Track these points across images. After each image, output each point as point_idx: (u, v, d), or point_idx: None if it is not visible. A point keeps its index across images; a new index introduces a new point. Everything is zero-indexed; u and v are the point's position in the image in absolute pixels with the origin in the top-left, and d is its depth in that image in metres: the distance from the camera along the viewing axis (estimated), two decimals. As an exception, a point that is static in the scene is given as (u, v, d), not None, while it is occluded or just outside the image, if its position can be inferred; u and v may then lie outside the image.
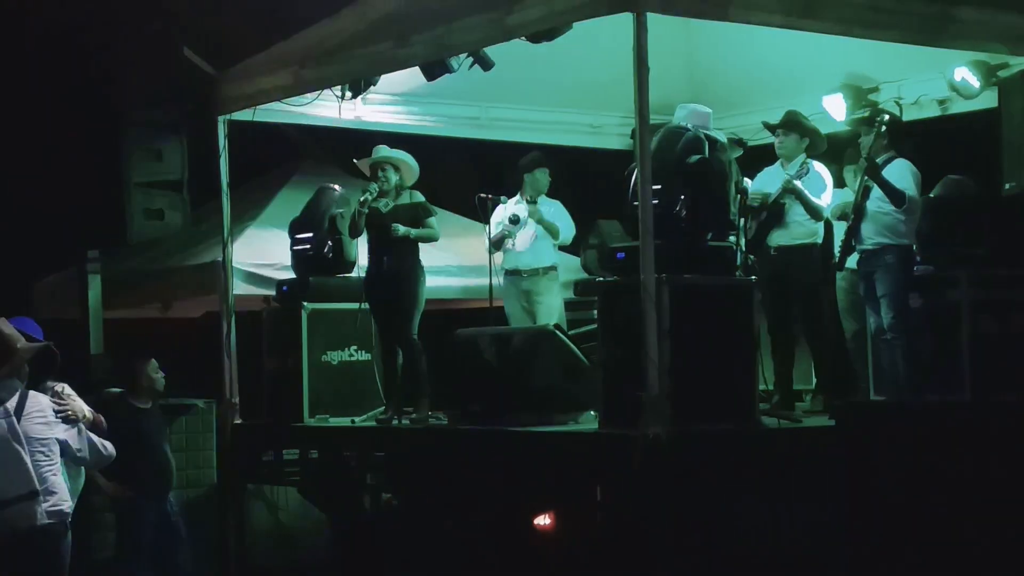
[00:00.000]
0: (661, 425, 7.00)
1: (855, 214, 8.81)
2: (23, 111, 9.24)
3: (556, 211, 10.05)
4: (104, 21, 9.80)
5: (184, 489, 9.87)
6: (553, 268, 10.01)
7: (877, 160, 8.72)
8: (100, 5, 10.01)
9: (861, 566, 6.68)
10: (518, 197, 10.04)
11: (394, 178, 9.31)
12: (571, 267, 11.03)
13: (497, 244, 9.97)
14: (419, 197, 9.35)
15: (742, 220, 8.72)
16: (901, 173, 8.78)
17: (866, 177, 8.75)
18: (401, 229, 9.09)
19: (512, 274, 9.98)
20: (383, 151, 9.41)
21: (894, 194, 8.66)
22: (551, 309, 9.86)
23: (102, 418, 6.85)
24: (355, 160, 9.68)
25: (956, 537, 6.72)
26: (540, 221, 9.89)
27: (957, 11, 8.06)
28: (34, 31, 9.37)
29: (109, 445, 6.76)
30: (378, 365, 9.56)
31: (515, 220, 9.87)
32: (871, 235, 8.78)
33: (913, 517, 6.88)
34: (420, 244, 9.28)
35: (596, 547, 7.45)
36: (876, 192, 8.75)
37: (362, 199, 9.24)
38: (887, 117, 8.87)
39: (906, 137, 9.13)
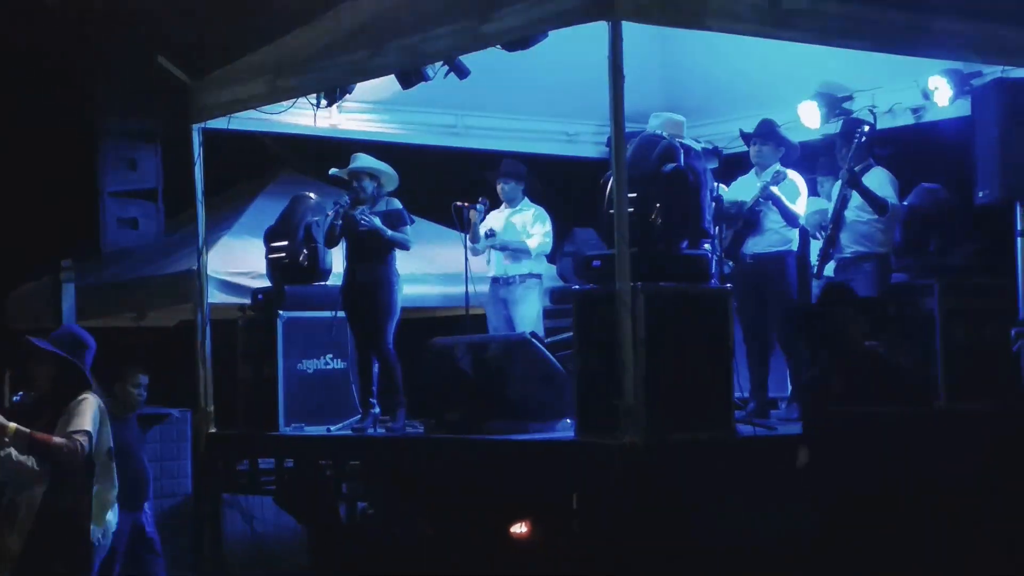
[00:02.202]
0: (637, 433, 7.00)
1: (833, 223, 8.85)
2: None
3: (532, 218, 10.00)
4: (79, 30, 9.76)
5: (159, 499, 9.83)
6: (532, 276, 9.97)
7: (856, 169, 8.77)
8: (75, 14, 9.97)
9: (830, 570, 6.69)
10: (502, 207, 10.04)
11: (371, 187, 9.30)
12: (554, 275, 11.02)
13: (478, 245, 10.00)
14: (396, 204, 9.33)
15: (717, 228, 8.75)
16: (880, 181, 8.83)
17: (845, 186, 8.80)
18: (374, 220, 9.03)
19: (493, 282, 10.00)
20: (361, 160, 9.40)
21: (876, 203, 8.70)
22: (527, 318, 9.86)
23: (49, 437, 6.66)
24: (333, 170, 9.67)
25: (927, 544, 6.73)
26: (504, 247, 9.91)
27: (931, 21, 8.10)
28: (7, 41, 9.33)
29: (29, 460, 6.63)
30: (354, 374, 9.55)
31: (490, 234, 9.91)
32: (849, 244, 8.84)
33: (886, 525, 6.88)
34: (396, 252, 9.27)
35: (572, 555, 7.45)
36: (855, 201, 8.80)
37: (335, 209, 9.23)
38: (866, 128, 8.92)
39: (883, 145, 9.17)
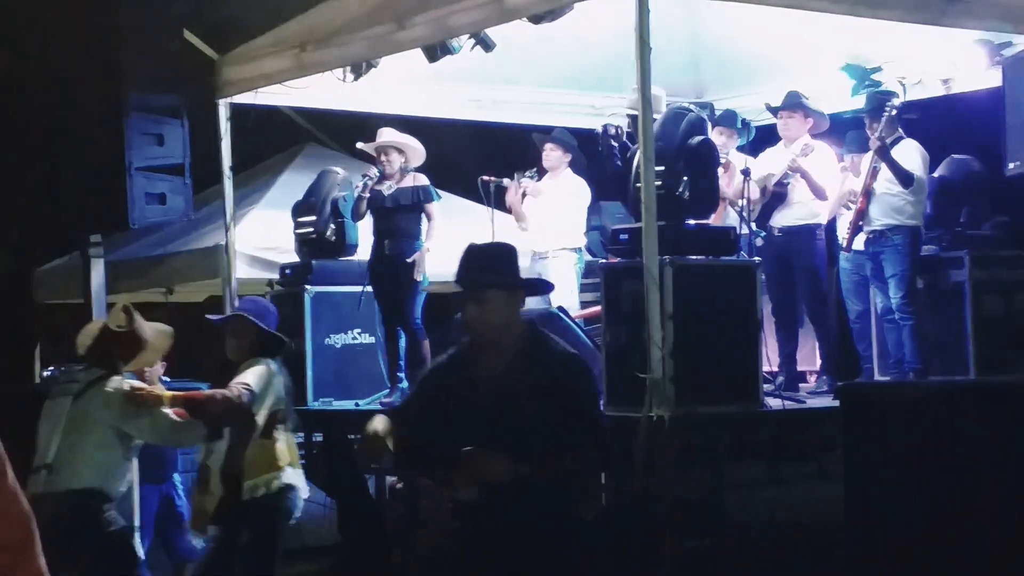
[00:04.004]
0: (665, 407, 6.99)
1: (863, 195, 8.81)
2: (23, 96, 9.20)
3: (572, 190, 9.92)
4: (104, 5, 9.77)
5: (189, 472, 9.86)
6: (565, 250, 9.89)
7: (886, 141, 8.72)
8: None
9: (861, 547, 6.67)
10: (545, 176, 10.02)
11: (398, 161, 9.29)
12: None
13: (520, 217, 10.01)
14: (423, 180, 9.32)
15: (745, 201, 8.73)
16: (909, 154, 8.77)
17: (875, 158, 8.75)
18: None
19: (532, 256, 9.99)
20: (388, 135, 9.39)
21: (902, 176, 8.65)
22: (560, 291, 9.79)
23: (200, 392, 6.97)
24: (360, 144, 9.65)
25: (958, 518, 6.70)
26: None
27: (961, -10, 8.04)
28: (33, 15, 9.34)
29: (190, 426, 6.79)
30: (381, 348, 9.55)
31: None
32: (879, 216, 8.79)
33: (917, 498, 6.85)
34: (423, 226, 9.25)
35: (600, 529, 7.44)
36: (884, 173, 8.75)
37: (362, 183, 9.23)
38: (897, 101, 8.86)
39: (910, 111, 9.08)
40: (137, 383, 6.79)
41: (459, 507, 4.73)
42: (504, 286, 4.73)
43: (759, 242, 8.99)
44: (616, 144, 8.95)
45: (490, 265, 4.81)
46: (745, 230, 8.65)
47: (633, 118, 8.55)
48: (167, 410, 6.73)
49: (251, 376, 6.85)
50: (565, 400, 4.59)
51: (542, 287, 5.39)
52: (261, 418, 6.93)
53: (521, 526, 4.57)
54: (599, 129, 9.25)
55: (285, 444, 7.09)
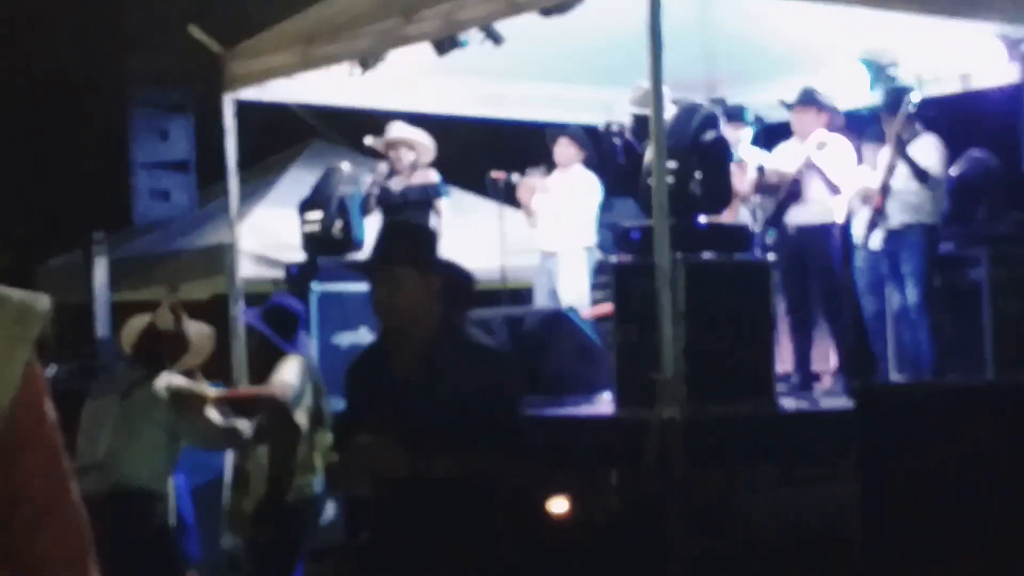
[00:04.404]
0: (676, 407, 6.88)
1: (880, 192, 8.73)
2: (26, 91, 9.13)
3: (583, 187, 9.85)
4: (109, 1, 9.71)
5: (193, 473, 9.77)
6: (577, 248, 9.82)
7: (904, 137, 8.63)
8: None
9: (876, 550, 6.56)
10: (555, 172, 9.95)
11: (408, 157, 9.21)
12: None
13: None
14: (433, 176, 9.23)
15: (759, 198, 8.64)
16: (928, 150, 8.69)
17: (892, 154, 8.66)
18: None
19: (542, 254, 9.92)
20: (398, 129, 9.30)
21: (918, 173, 8.57)
22: (571, 290, 9.74)
23: (247, 390, 7.04)
24: (369, 140, 9.55)
25: (975, 520, 6.60)
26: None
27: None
28: (38, 11, 9.27)
29: (233, 433, 6.80)
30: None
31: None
32: (896, 213, 8.71)
33: (933, 499, 6.76)
34: (432, 223, 9.17)
35: (612, 531, 7.36)
36: (902, 170, 8.67)
37: (372, 178, 9.15)
38: (914, 97, 8.76)
39: (929, 107, 8.99)
40: (183, 381, 6.77)
41: (355, 502, 4.56)
42: (415, 266, 4.35)
43: (767, 240, 8.90)
44: (619, 141, 8.86)
45: (403, 244, 4.46)
46: (758, 227, 8.56)
47: (634, 115, 8.46)
48: (212, 413, 6.72)
49: (290, 373, 6.85)
50: (477, 395, 4.25)
51: (460, 274, 4.64)
52: (301, 416, 6.89)
53: (420, 525, 4.32)
54: (600, 126, 9.18)
55: (321, 446, 7.08)
